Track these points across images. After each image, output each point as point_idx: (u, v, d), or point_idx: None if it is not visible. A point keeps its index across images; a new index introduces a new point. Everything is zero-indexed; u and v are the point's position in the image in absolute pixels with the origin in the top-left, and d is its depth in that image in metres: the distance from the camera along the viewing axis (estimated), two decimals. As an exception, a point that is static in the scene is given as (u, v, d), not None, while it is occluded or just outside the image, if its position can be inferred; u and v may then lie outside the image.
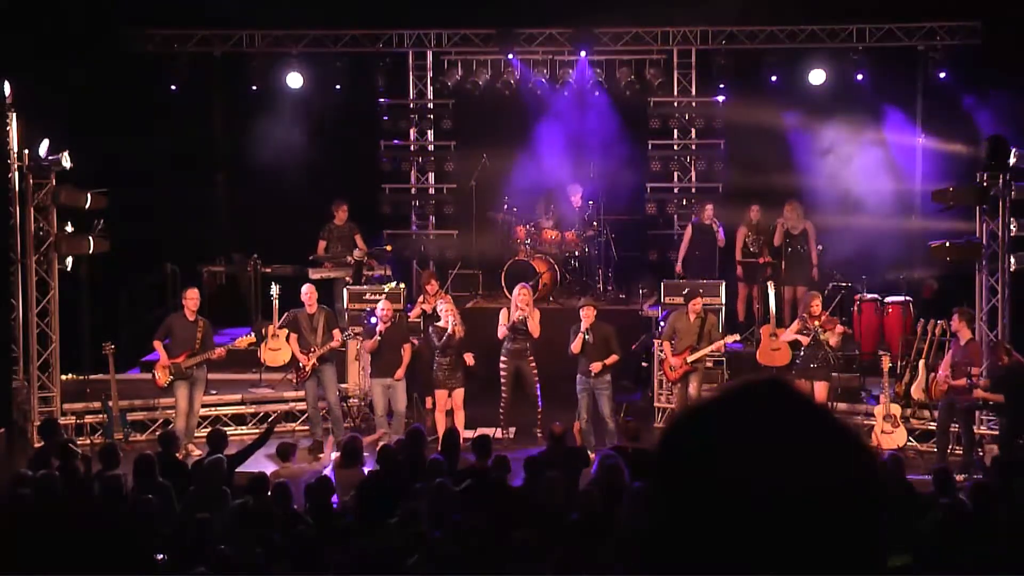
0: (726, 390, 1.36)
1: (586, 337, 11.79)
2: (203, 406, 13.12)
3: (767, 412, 1.31)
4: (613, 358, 11.92)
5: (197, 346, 12.17)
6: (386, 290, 14.08)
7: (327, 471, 9.63)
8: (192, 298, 12.33)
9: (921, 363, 11.79)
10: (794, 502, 1.25)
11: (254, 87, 16.18)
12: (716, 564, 1.26)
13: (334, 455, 10.47)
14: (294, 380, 12.54)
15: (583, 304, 12.21)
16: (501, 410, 12.35)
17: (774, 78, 15.75)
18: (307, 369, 12.31)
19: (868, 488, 1.29)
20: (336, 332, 12.47)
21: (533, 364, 12.23)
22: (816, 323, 11.91)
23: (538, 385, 12.22)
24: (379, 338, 12.19)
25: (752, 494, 1.25)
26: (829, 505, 1.25)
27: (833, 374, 12.09)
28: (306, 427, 12.84)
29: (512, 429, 12.43)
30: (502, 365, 12.26)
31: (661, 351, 13.06)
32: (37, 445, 11.35)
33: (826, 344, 11.82)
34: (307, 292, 12.61)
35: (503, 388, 12.30)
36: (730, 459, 1.27)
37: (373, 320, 13.27)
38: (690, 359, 12.32)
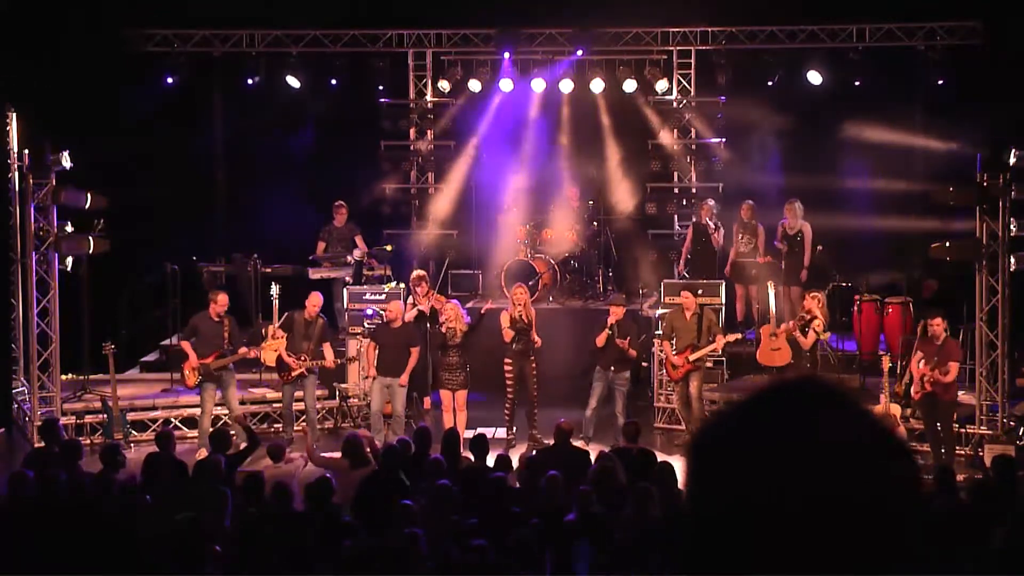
0: (760, 389, 1.31)
1: (611, 333, 12.06)
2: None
3: (804, 411, 1.27)
4: (632, 352, 12.20)
5: (226, 346, 12.17)
6: (386, 290, 14.09)
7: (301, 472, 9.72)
8: (222, 303, 12.31)
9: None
10: (833, 505, 1.21)
11: (254, 87, 16.16)
12: (753, 568, 1.23)
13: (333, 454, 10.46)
14: (284, 378, 12.51)
15: (612, 302, 12.57)
16: (506, 411, 12.37)
17: (774, 78, 15.74)
18: (293, 374, 12.31)
19: (909, 490, 1.26)
20: (327, 348, 12.44)
21: (534, 366, 12.28)
22: (804, 319, 11.99)
23: (535, 388, 12.27)
24: (373, 339, 12.27)
25: (789, 497, 1.21)
26: (871, 508, 1.22)
27: (827, 375, 12.10)
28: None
29: (515, 429, 12.44)
30: (507, 366, 12.29)
31: (661, 351, 13.10)
32: (37, 445, 11.35)
33: (804, 334, 11.86)
34: (313, 300, 12.56)
35: (508, 389, 12.32)
36: (766, 461, 1.23)
37: (369, 312, 13.32)
38: (692, 358, 12.34)
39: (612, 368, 12.16)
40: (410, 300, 13.35)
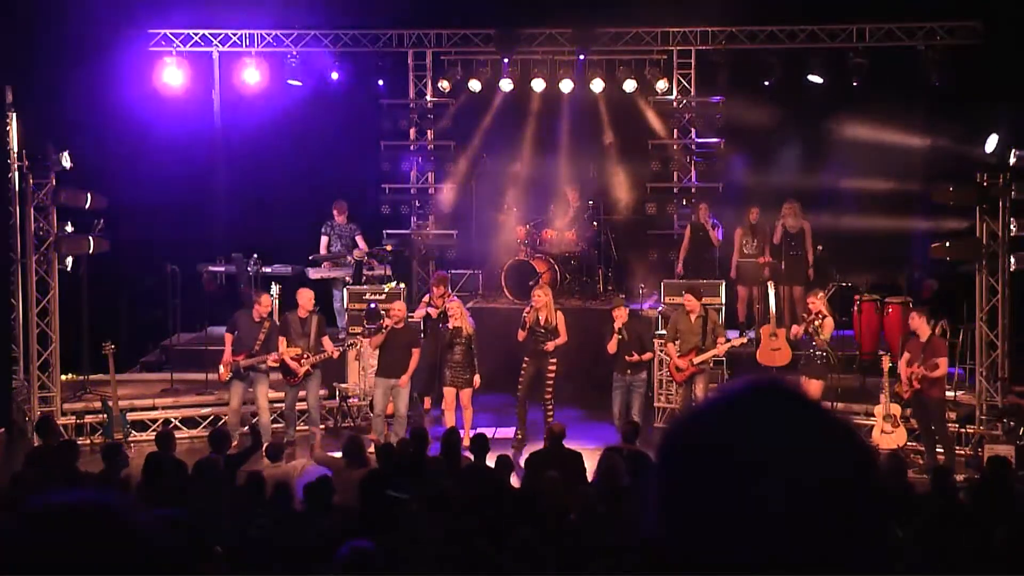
0: (722, 392, 1.35)
1: (621, 336, 12.03)
2: (203, 406, 13.15)
3: (764, 412, 1.31)
4: (648, 355, 12.24)
5: (257, 347, 12.16)
6: (386, 290, 14.09)
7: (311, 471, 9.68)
8: (264, 305, 12.24)
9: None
10: (793, 501, 1.24)
11: (254, 87, 16.16)
12: (717, 564, 1.25)
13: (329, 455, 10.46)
14: (291, 381, 12.46)
15: (615, 305, 12.52)
16: (516, 410, 12.36)
17: (774, 78, 15.73)
18: (299, 375, 12.29)
19: (867, 485, 1.29)
20: (326, 341, 12.39)
21: (552, 368, 12.23)
22: (814, 321, 11.93)
23: (550, 388, 12.23)
24: (383, 335, 12.20)
25: (751, 495, 1.24)
26: (829, 503, 1.25)
27: (830, 375, 12.09)
28: (305, 427, 12.81)
29: (522, 428, 12.43)
30: (523, 366, 12.29)
31: (663, 351, 13.09)
32: (36, 443, 11.35)
33: (817, 334, 11.80)
34: (305, 296, 12.53)
35: (519, 388, 12.30)
36: (728, 461, 1.26)
37: (372, 305, 13.32)
38: (696, 361, 12.32)
39: (629, 371, 12.15)
40: (425, 299, 13.39)
